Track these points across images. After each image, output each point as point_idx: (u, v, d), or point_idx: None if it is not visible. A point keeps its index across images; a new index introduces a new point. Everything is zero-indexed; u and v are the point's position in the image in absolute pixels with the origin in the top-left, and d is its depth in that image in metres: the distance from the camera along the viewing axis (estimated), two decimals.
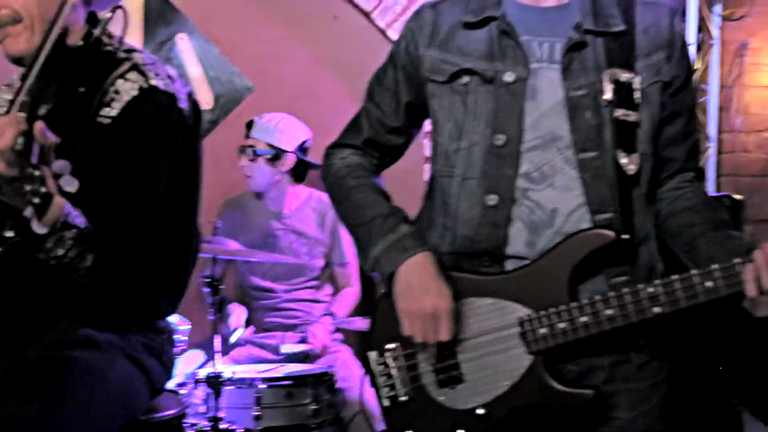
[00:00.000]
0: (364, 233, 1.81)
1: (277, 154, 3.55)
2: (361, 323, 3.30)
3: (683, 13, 4.00)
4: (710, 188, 4.07)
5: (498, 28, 1.77)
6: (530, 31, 1.76)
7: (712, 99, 4.13)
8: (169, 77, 1.93)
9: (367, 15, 4.09)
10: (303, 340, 3.47)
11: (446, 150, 1.80)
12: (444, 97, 1.80)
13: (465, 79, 1.77)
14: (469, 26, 1.80)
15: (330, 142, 1.96)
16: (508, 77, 1.74)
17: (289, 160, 3.57)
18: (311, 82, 4.05)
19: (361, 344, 3.72)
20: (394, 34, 4.06)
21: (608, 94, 1.72)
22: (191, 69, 3.93)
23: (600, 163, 1.71)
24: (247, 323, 3.53)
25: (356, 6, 4.08)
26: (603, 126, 1.72)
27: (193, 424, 2.76)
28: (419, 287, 1.71)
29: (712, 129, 4.12)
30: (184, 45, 3.94)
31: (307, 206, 3.64)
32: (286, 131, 3.57)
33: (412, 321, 1.72)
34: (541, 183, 1.72)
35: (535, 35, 1.76)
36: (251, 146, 3.54)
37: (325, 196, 3.57)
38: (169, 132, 1.88)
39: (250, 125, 3.58)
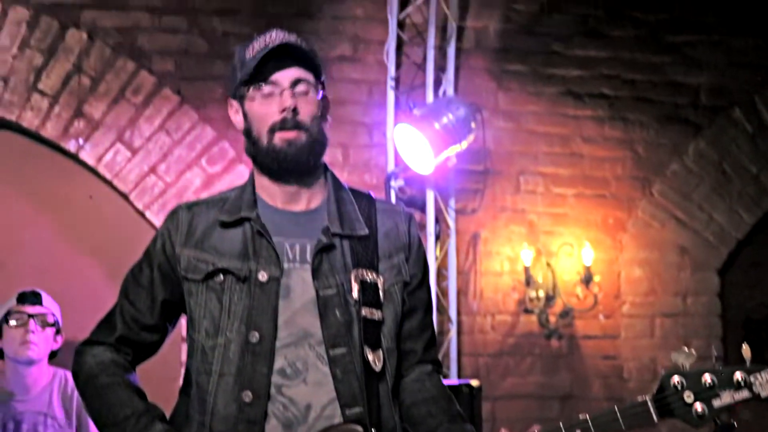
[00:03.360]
0: None
1: (59, 329, 3.50)
2: None
3: (423, 207, 4.34)
4: (452, 368, 4.24)
5: (252, 228, 1.85)
6: (282, 233, 1.85)
7: (451, 284, 4.39)
8: None
9: (125, 196, 4.12)
10: None
11: (203, 346, 1.82)
12: (200, 294, 1.84)
13: (220, 277, 1.83)
14: (225, 225, 1.86)
15: (82, 339, 1.94)
16: (262, 276, 1.81)
17: (60, 339, 3.52)
18: (63, 262, 3.98)
19: None
20: (152, 216, 4.10)
21: (355, 293, 1.83)
22: None
23: (349, 359, 1.79)
24: None
25: (114, 187, 4.10)
26: (351, 323, 1.81)
27: None
28: None
29: (452, 312, 4.38)
30: None
31: (52, 386, 3.49)
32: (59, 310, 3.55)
33: None
34: (294, 379, 1.78)
35: (286, 237, 1.85)
36: (43, 314, 3.43)
37: (68, 375, 3.49)
38: None
39: (28, 295, 3.46)
